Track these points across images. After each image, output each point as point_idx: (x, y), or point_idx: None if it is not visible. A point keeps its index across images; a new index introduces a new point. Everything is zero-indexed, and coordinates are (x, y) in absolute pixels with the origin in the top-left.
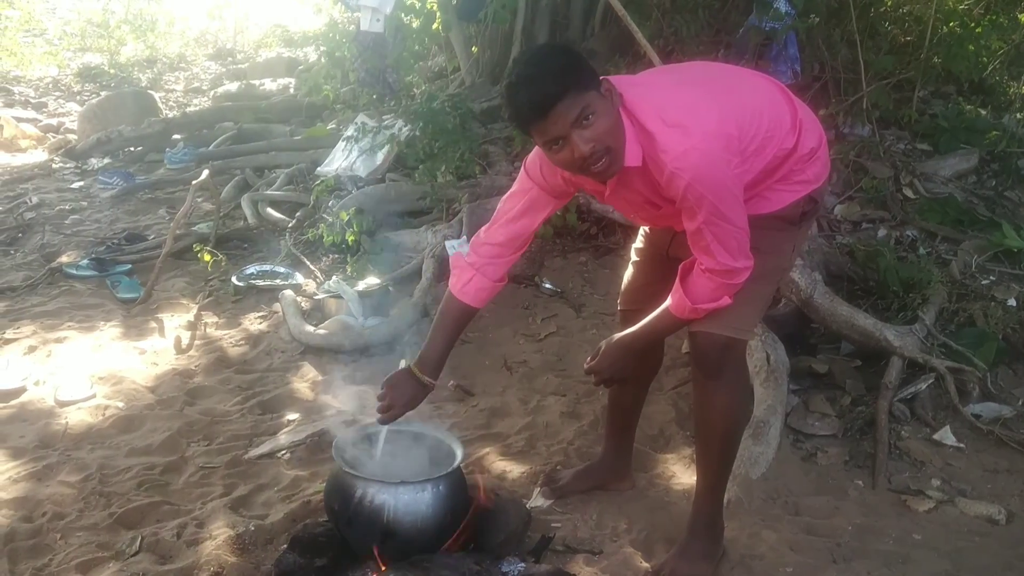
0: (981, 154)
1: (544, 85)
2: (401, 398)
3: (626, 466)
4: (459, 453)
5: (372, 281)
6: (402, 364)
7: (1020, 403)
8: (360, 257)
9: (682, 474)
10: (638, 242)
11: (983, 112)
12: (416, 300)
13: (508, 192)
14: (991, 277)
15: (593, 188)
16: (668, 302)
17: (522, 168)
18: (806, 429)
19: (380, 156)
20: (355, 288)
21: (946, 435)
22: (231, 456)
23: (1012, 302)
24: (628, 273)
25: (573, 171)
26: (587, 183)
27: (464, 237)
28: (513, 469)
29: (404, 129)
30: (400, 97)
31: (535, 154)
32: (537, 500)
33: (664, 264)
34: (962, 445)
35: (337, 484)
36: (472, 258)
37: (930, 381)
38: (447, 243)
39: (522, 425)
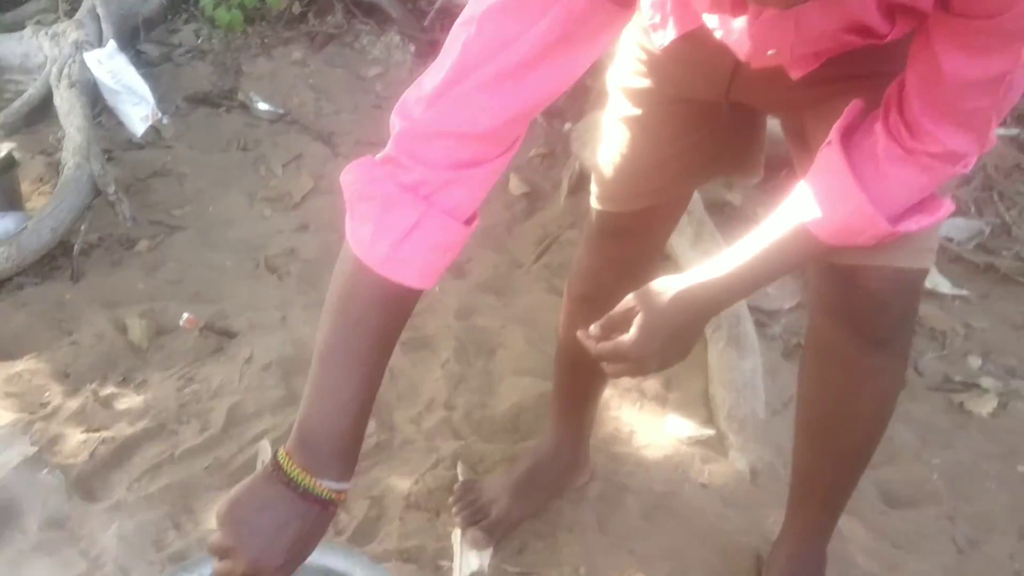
0: None
1: None
2: (272, 544)
3: (585, 452)
4: None
5: None
6: (260, 457)
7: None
8: None
9: (644, 429)
10: (624, 82)
11: None
12: (72, 173)
13: (482, 5)
14: None
15: None
16: (803, 214)
17: None
18: (764, 304)
19: None
20: None
21: (939, 281)
22: None
23: None
24: (616, 145)
25: None
26: None
27: (112, 43)
28: (387, 493)
29: None
30: None
31: None
32: (470, 560)
33: (713, 129)
34: (964, 292)
35: None
36: (410, 172)
37: None
38: (87, 57)
39: None
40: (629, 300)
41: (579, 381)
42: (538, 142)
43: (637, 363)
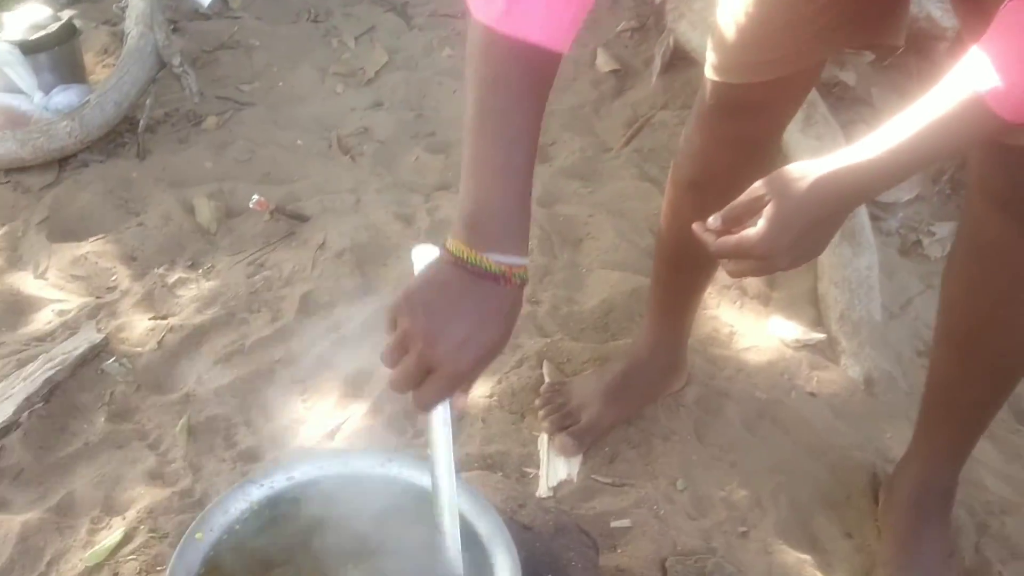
0: None
1: None
2: (448, 322)
3: (683, 355)
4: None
5: (35, 13)
6: (416, 255)
7: None
8: None
9: (745, 330)
10: None
11: None
12: (136, 43)
13: None
14: None
15: None
16: (978, 83)
17: None
18: (881, 196)
19: None
20: (9, 38)
21: None
22: None
23: None
24: (740, 4)
25: None
26: None
27: None
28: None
29: None
30: None
31: None
32: (558, 468)
33: None
34: None
35: None
36: None
37: None
38: None
39: None
40: (758, 187)
41: (681, 277)
42: (628, 15)
43: (764, 261)
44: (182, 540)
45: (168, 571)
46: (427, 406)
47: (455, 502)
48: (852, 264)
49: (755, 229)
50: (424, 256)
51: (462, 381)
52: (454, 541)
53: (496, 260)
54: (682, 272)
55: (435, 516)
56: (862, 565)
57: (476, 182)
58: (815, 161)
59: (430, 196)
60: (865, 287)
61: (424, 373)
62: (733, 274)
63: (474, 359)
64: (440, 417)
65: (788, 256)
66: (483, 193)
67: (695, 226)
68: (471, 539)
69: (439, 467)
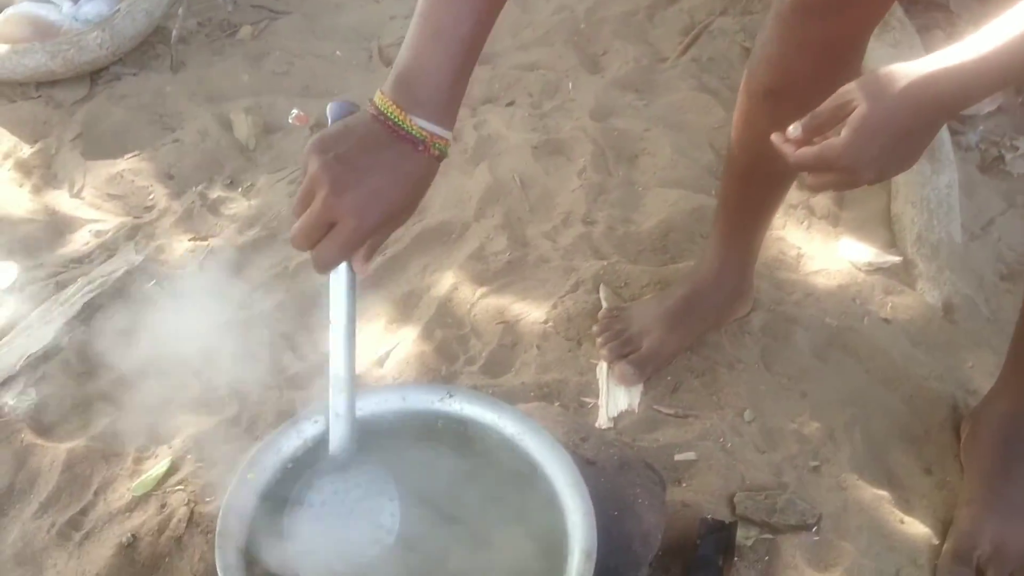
0: None
1: None
2: (356, 171)
3: (750, 279)
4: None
5: None
6: (331, 110)
7: None
8: None
9: (814, 252)
10: None
11: None
12: None
13: None
14: None
15: None
16: None
17: None
18: None
19: None
20: None
21: None
22: None
23: None
24: None
25: None
26: None
27: None
28: (522, 317)
29: None
30: None
31: None
32: (618, 397)
33: None
34: None
35: None
36: None
37: None
38: None
39: (479, 195)
40: (846, 91)
41: (752, 193)
42: None
43: (848, 173)
44: (234, 481)
45: (220, 513)
46: (326, 263)
47: (353, 382)
48: (931, 182)
49: (840, 138)
50: (339, 111)
51: (364, 238)
52: (349, 424)
53: (420, 125)
54: (753, 188)
55: (330, 396)
56: (943, 502)
57: (417, 40)
58: (909, 63)
59: (476, 110)
60: (944, 206)
61: (326, 227)
62: (814, 188)
63: (379, 215)
64: (342, 283)
65: (875, 168)
66: (421, 53)
67: (774, 136)
68: (541, 480)
69: (338, 342)
